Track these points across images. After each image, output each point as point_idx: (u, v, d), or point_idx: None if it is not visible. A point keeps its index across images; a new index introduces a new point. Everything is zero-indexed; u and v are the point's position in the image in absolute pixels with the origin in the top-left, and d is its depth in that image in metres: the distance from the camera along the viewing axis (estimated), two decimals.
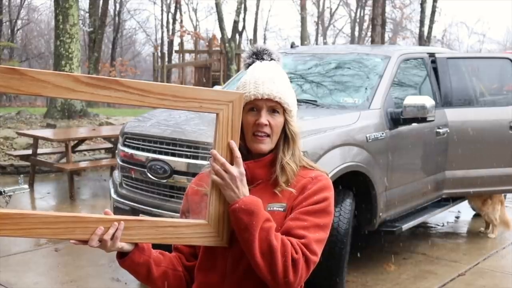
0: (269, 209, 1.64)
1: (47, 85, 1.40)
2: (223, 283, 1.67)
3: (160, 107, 1.54)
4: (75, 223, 1.49)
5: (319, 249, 1.61)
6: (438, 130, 4.76)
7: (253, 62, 1.77)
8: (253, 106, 1.66)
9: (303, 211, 1.62)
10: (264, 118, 1.65)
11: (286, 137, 1.70)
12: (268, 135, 1.67)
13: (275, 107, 1.67)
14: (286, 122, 1.69)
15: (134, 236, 1.56)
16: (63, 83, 1.42)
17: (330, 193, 1.69)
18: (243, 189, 1.57)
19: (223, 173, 1.56)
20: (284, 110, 1.68)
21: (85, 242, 1.53)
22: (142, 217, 1.63)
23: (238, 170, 1.57)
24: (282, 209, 1.65)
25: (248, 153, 1.70)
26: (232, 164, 1.57)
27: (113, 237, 1.53)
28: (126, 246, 1.59)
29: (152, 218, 1.62)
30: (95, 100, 1.48)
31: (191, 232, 1.60)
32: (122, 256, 1.63)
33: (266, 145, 1.68)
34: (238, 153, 1.58)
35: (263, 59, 1.76)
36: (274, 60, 1.77)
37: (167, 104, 1.51)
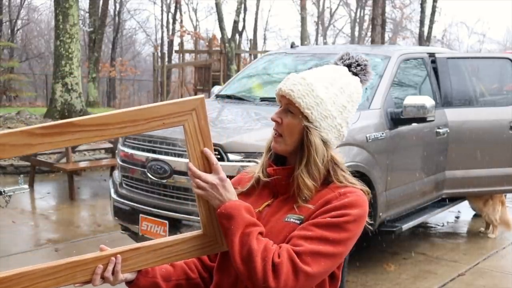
0: (286, 219, 1.56)
1: (4, 148, 1.36)
2: (236, 285, 1.62)
3: (123, 135, 1.48)
4: (73, 268, 1.48)
5: (315, 261, 1.44)
6: (438, 130, 4.76)
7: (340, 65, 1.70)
8: (280, 103, 1.62)
9: (313, 222, 1.50)
10: (277, 114, 1.59)
11: (302, 146, 1.56)
12: (280, 135, 1.59)
13: (289, 106, 1.57)
14: (305, 129, 1.55)
15: (134, 265, 1.55)
16: (19, 141, 1.37)
17: (355, 211, 1.51)
18: (227, 194, 1.52)
19: (203, 184, 1.51)
20: (302, 113, 1.55)
21: (88, 282, 1.52)
22: (136, 244, 1.59)
23: (217, 177, 1.51)
24: (299, 222, 1.54)
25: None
26: (211, 172, 1.53)
27: (113, 272, 1.52)
28: (130, 276, 1.57)
29: (147, 242, 1.57)
30: (56, 148, 1.42)
31: (189, 246, 1.57)
32: (129, 282, 1.61)
33: (278, 145, 1.59)
34: (214, 160, 1.53)
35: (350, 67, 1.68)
36: (354, 73, 1.68)
37: (129, 131, 1.45)
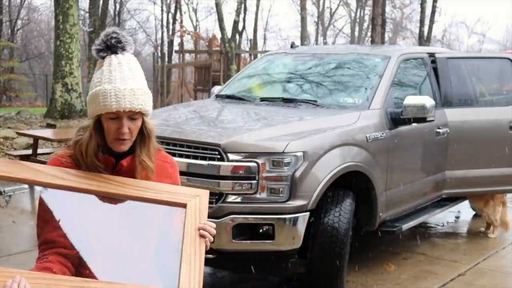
0: None
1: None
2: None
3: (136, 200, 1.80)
4: None
5: None
6: (438, 130, 4.76)
7: (106, 55, 1.83)
8: (115, 115, 1.78)
9: None
10: (126, 127, 1.79)
11: (142, 136, 1.86)
12: (128, 138, 1.83)
13: (134, 115, 1.80)
14: (143, 122, 1.84)
15: None
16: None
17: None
18: None
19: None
20: (141, 112, 1.81)
21: None
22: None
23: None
24: None
25: (109, 150, 1.83)
26: None
27: None
28: None
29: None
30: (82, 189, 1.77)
31: None
32: None
33: (126, 146, 1.84)
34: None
35: (116, 52, 1.83)
36: (127, 51, 1.85)
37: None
